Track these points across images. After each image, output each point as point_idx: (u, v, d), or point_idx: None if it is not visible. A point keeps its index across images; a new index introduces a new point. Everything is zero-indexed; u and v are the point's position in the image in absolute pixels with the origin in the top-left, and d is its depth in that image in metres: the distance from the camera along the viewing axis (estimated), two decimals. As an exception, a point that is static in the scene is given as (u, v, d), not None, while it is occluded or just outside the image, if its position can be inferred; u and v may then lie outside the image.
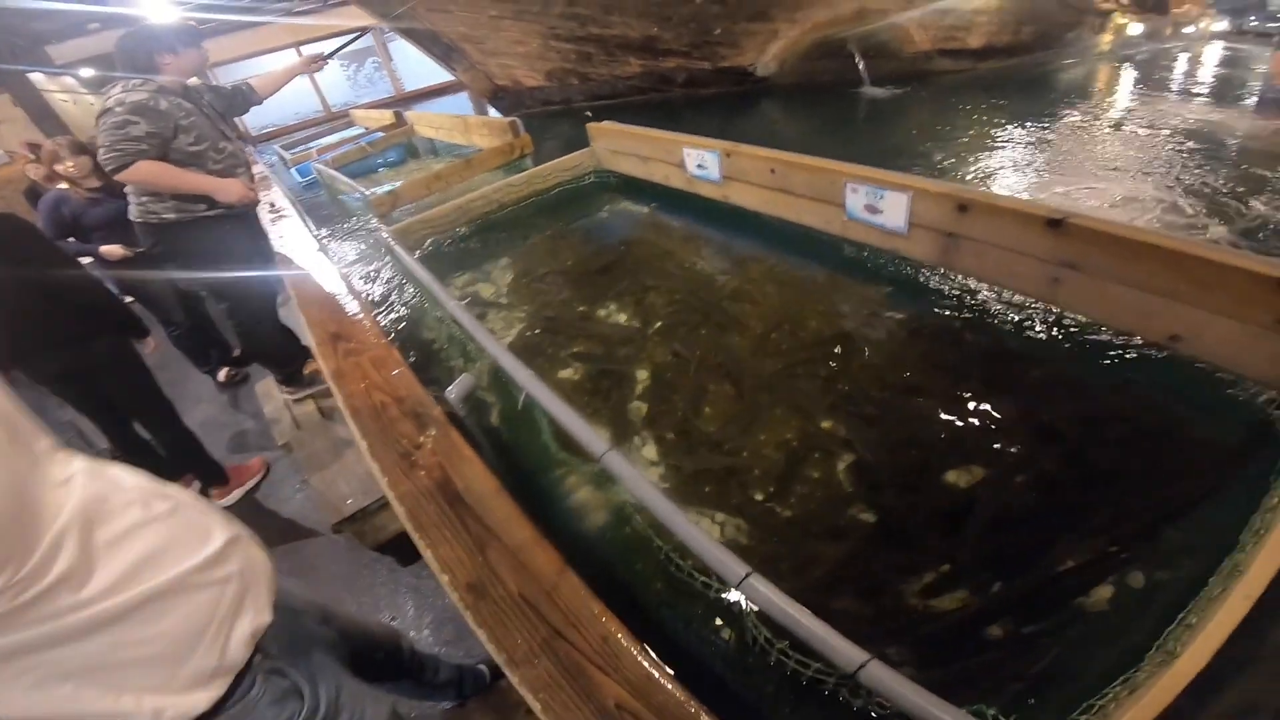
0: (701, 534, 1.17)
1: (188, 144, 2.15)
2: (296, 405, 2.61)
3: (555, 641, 0.96)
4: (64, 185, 2.92)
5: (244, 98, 2.56)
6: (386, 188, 4.06)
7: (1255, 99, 6.06)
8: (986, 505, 1.51)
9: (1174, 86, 7.02)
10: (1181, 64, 8.42)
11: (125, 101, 2.01)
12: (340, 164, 5.56)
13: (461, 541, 1.16)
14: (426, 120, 5.76)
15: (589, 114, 3.61)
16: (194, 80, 2.33)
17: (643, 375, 2.16)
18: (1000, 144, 4.92)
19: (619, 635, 0.96)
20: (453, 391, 1.86)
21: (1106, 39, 9.01)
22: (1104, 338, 1.86)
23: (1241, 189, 3.83)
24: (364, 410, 1.62)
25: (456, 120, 5.07)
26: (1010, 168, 4.45)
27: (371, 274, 3.15)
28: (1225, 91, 6.41)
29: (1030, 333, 2.02)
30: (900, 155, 4.87)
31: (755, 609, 1.13)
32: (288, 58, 9.90)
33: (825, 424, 1.83)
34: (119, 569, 0.64)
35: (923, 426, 1.75)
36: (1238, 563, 1.08)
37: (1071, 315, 1.91)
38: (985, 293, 2.20)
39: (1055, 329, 1.98)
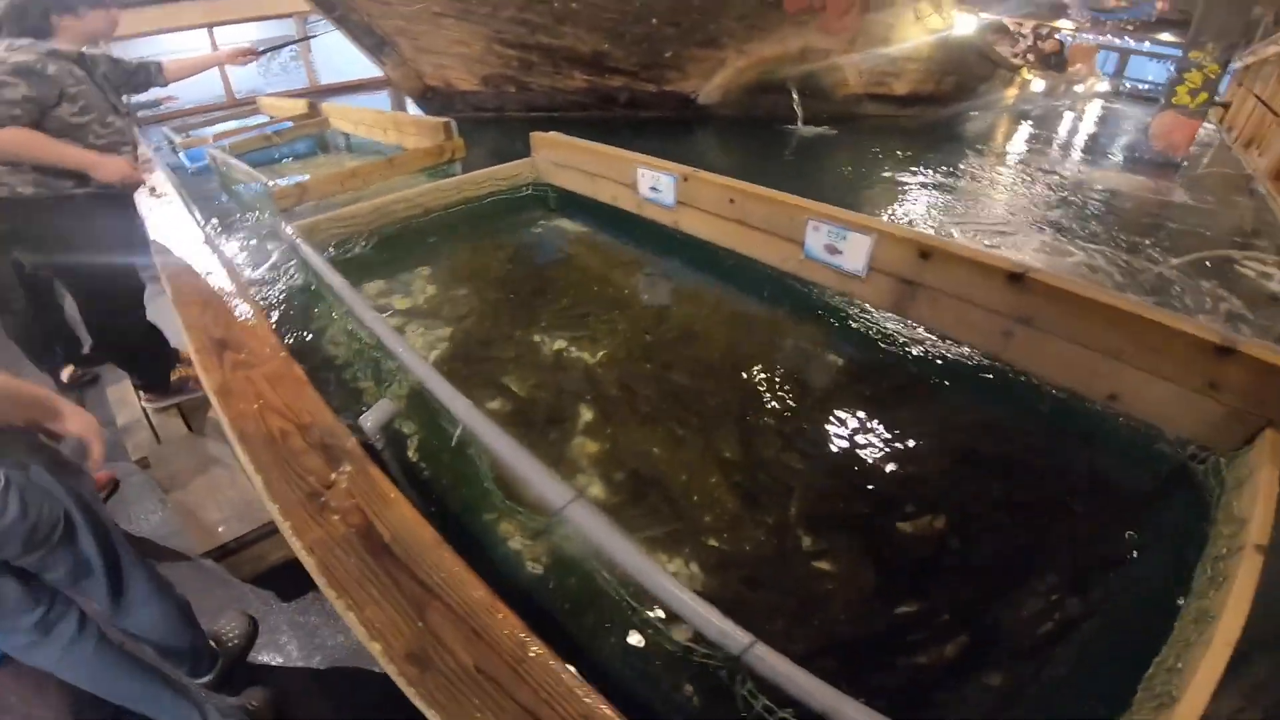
0: (694, 599, 1.01)
1: (70, 113, 1.88)
2: (157, 415, 2.28)
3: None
4: None
5: (146, 75, 2.28)
6: (292, 180, 3.65)
7: (1133, 157, 6.83)
8: (923, 546, 1.54)
9: (1072, 142, 7.99)
10: (1073, 121, 9.68)
11: (6, 61, 1.76)
12: (239, 151, 5.01)
13: (393, 602, 0.99)
14: (345, 114, 5.33)
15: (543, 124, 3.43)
16: (92, 48, 2.06)
17: (585, 412, 1.98)
18: (914, 190, 5.22)
19: (603, 711, 0.83)
20: (368, 419, 1.61)
21: (1012, 93, 9.97)
22: (1046, 391, 1.91)
23: (1129, 242, 4.23)
24: (256, 436, 1.36)
25: (382, 116, 4.71)
26: (920, 217, 4.69)
27: (268, 276, 2.77)
28: (1110, 149, 7.28)
29: (976, 382, 2.09)
30: (822, 194, 5.02)
31: (754, 678, 0.99)
32: (197, 39, 9.02)
33: (773, 464, 1.79)
34: None
35: (867, 469, 1.77)
36: (1204, 608, 1.09)
37: (1018, 371, 1.93)
38: (935, 343, 2.24)
39: (1000, 380, 2.04)
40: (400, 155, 3.76)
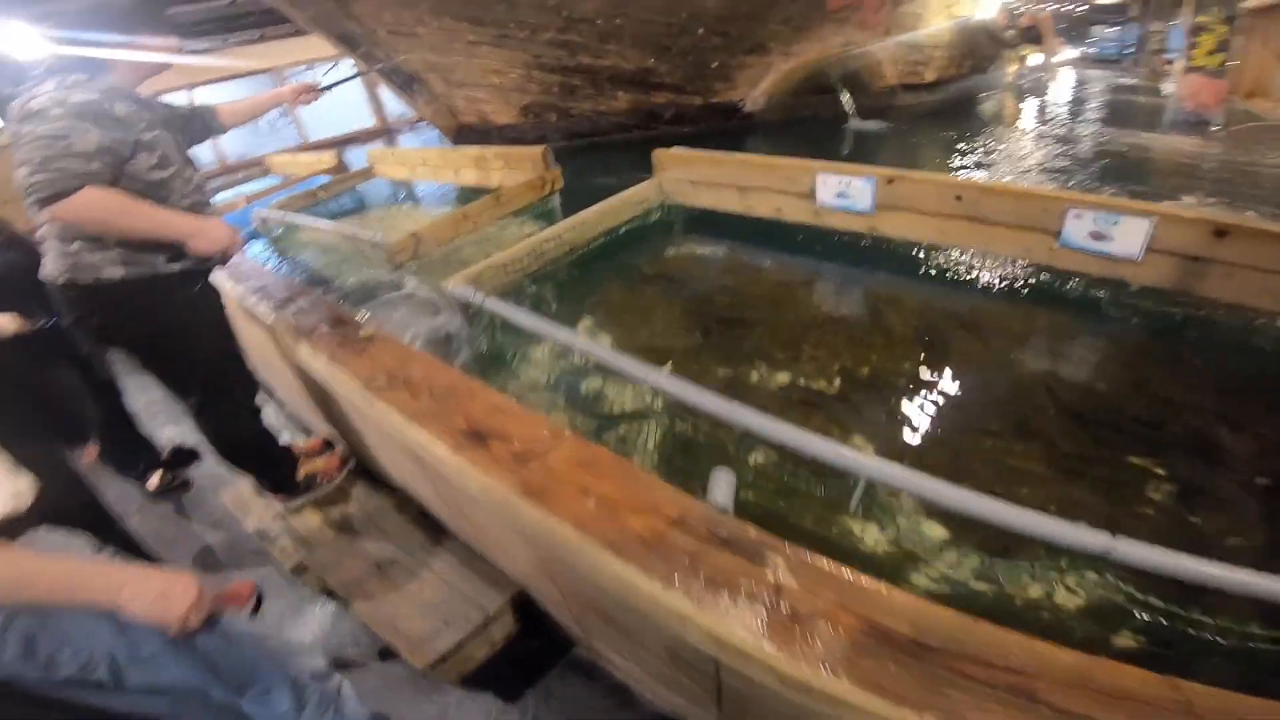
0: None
1: (149, 166, 1.51)
2: (294, 516, 2.00)
3: None
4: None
5: (204, 122, 1.89)
6: (377, 233, 3.33)
7: (1172, 120, 6.94)
8: None
9: (1093, 108, 8.20)
10: (1077, 89, 10.08)
11: (66, 102, 1.39)
12: (290, 210, 4.69)
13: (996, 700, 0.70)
14: (399, 158, 5.05)
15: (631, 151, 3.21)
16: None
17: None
18: (973, 169, 5.18)
19: None
20: (718, 493, 1.35)
21: (1013, 69, 10.21)
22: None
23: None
24: (629, 544, 0.97)
25: (453, 154, 4.43)
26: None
27: (450, 345, 2.48)
28: (1135, 112, 7.56)
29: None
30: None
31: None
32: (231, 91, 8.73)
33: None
34: None
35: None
36: None
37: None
38: (1226, 316, 2.09)
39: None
40: (505, 191, 3.49)
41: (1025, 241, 2.26)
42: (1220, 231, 1.90)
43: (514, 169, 3.86)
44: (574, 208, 3.89)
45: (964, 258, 2.51)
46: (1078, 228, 2.12)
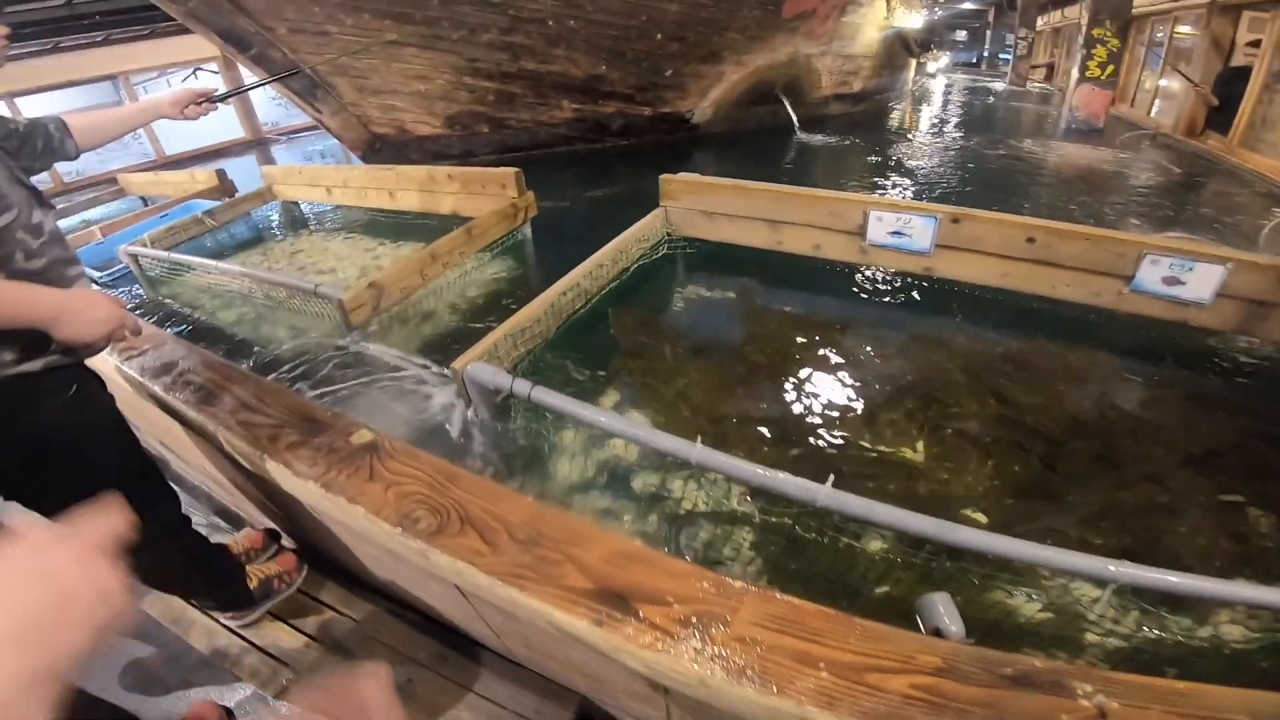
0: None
1: None
2: (254, 632, 1.63)
3: None
4: None
5: (48, 142, 1.36)
6: (328, 280, 2.69)
7: (1066, 127, 7.65)
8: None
9: (998, 117, 9.02)
10: (969, 95, 11.20)
11: None
12: (168, 245, 3.80)
13: None
14: (305, 177, 4.26)
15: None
16: None
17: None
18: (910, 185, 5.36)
19: None
20: (944, 619, 1.21)
21: (910, 76, 10.97)
22: None
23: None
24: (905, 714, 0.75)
25: (384, 174, 3.76)
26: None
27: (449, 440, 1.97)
28: (1028, 120, 8.48)
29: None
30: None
31: None
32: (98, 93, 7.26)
33: None
34: None
35: None
36: None
37: None
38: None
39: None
40: (476, 223, 2.96)
41: (1094, 285, 2.22)
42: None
43: (476, 194, 3.33)
44: (540, 239, 3.44)
45: (1021, 301, 2.35)
46: (1152, 273, 2.11)
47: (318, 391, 2.30)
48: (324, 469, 1.21)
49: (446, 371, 2.05)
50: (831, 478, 1.36)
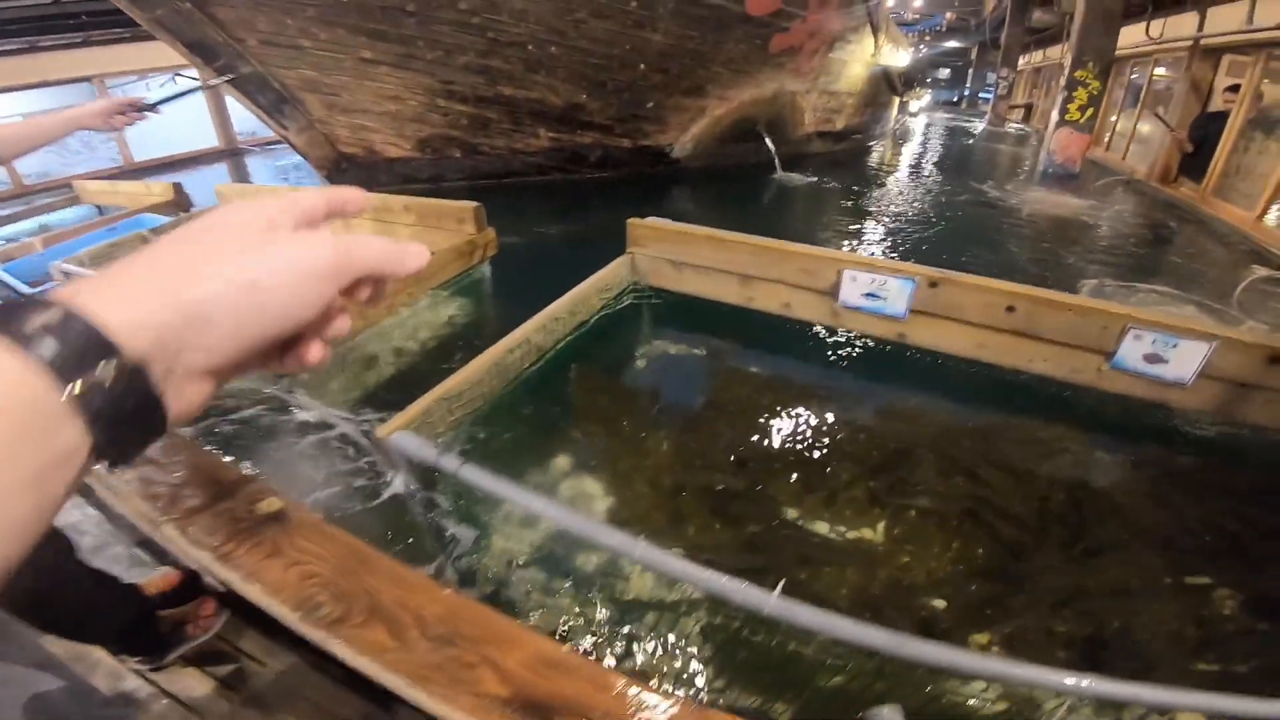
0: None
1: None
2: (165, 678, 1.52)
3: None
4: None
5: None
6: None
7: (1042, 172, 7.67)
8: None
9: (974, 160, 8.97)
10: (947, 136, 11.24)
11: None
12: (108, 263, 3.55)
13: None
14: (258, 196, 4.06)
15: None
16: None
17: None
18: (905, 221, 5.31)
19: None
20: None
21: (893, 114, 11.07)
22: None
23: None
24: None
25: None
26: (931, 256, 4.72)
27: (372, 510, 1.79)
28: (1014, 166, 8.45)
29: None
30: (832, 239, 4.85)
31: None
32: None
33: None
34: None
35: None
36: None
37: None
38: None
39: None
40: (430, 261, 2.77)
41: (1074, 361, 2.10)
42: (1276, 358, 1.84)
43: (433, 227, 3.15)
44: (504, 276, 3.27)
45: (996, 374, 2.23)
46: (1133, 349, 1.99)
47: (233, 446, 2.08)
48: (222, 539, 1.12)
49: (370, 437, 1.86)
50: (781, 584, 1.23)
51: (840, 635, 1.16)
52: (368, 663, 0.95)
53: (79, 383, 0.25)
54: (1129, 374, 2.01)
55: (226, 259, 0.31)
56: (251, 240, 0.32)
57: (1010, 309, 2.05)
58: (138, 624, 1.51)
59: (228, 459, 1.75)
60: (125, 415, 0.27)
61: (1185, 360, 1.93)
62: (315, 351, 0.38)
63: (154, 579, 1.63)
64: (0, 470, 0.24)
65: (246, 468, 2.02)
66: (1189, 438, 2.13)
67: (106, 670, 1.50)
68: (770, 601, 1.24)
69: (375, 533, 1.75)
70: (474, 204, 3.01)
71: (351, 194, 0.41)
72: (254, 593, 1.07)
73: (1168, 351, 1.94)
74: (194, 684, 1.50)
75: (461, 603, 1.05)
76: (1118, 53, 7.01)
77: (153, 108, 1.81)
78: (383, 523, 1.76)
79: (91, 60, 7.40)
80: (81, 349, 0.26)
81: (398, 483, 1.72)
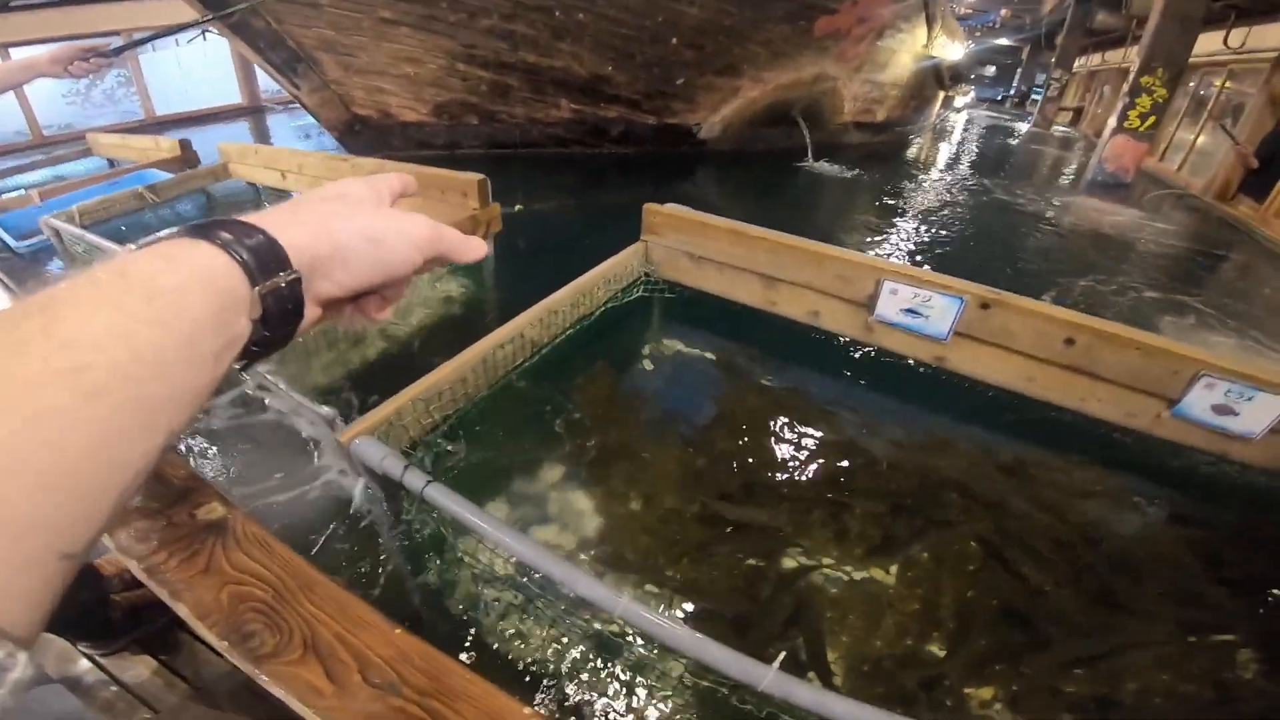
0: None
1: None
2: (116, 664, 1.48)
3: None
4: None
5: None
6: None
7: (1091, 180, 7.20)
8: None
9: (1018, 164, 8.46)
10: (988, 135, 10.72)
11: None
12: (96, 218, 3.40)
13: None
14: (261, 157, 3.86)
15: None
16: None
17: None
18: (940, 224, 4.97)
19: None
20: None
21: (937, 109, 10.60)
22: None
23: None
24: None
25: (340, 164, 3.36)
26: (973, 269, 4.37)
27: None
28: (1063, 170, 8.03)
29: None
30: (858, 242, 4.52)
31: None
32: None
33: None
34: None
35: None
36: None
37: None
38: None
39: None
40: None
41: (1131, 404, 1.86)
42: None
43: (434, 200, 2.92)
44: (510, 251, 3.05)
45: (1042, 410, 1.96)
46: (1202, 398, 1.75)
47: (191, 433, 1.90)
48: (153, 548, 1.01)
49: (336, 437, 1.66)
50: (781, 656, 1.05)
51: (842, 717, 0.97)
52: (299, 707, 0.81)
53: (265, 284, 0.35)
54: (1189, 423, 1.77)
55: (361, 217, 0.42)
56: (370, 208, 0.45)
57: (1069, 341, 1.79)
58: (93, 607, 1.45)
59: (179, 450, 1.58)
60: (283, 314, 0.37)
61: (1259, 414, 1.70)
62: (382, 309, 0.48)
63: (111, 559, 1.55)
64: (204, 340, 0.32)
65: (200, 463, 1.85)
66: (1244, 493, 1.88)
67: (57, 652, 1.48)
68: (768, 677, 1.05)
69: (330, 550, 1.56)
70: (479, 176, 2.78)
71: (409, 180, 0.52)
72: (181, 611, 0.96)
73: (1241, 404, 1.71)
74: (145, 672, 1.47)
75: (412, 645, 0.91)
76: (1191, 61, 6.52)
77: (115, 54, 1.75)
78: (337, 539, 1.57)
79: (120, 14, 7.24)
80: (268, 260, 0.36)
81: (357, 495, 1.53)
